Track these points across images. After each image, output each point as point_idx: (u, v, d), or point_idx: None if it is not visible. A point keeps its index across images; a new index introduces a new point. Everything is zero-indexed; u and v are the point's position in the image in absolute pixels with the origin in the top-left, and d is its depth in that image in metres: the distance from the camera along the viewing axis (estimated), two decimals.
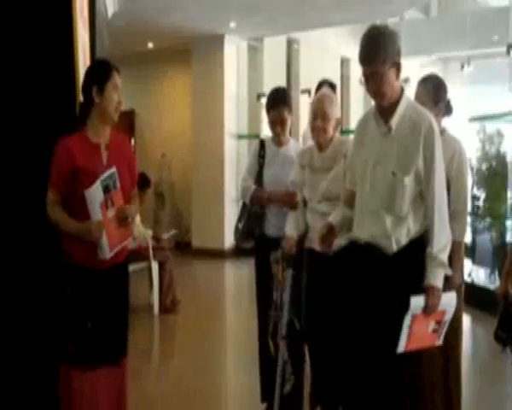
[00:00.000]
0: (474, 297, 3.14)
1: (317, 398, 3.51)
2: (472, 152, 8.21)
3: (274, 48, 10.97)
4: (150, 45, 10.69)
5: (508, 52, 8.93)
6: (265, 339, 3.48)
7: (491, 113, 8.71)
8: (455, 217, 3.18)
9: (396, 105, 2.72)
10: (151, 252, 6.60)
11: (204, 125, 10.30)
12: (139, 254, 6.62)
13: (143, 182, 7.13)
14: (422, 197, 2.72)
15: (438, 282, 2.67)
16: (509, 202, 7.36)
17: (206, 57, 10.26)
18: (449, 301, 2.77)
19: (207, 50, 10.21)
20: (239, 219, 3.93)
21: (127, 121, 12.14)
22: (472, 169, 8.01)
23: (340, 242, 3.12)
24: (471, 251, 8.02)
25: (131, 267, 6.57)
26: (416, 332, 2.69)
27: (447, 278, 3.26)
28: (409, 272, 2.70)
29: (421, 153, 2.66)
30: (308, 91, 9.79)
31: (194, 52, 10.48)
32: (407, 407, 2.82)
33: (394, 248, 2.71)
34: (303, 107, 10.26)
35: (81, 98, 3.01)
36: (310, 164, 3.47)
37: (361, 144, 2.89)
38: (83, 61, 3.45)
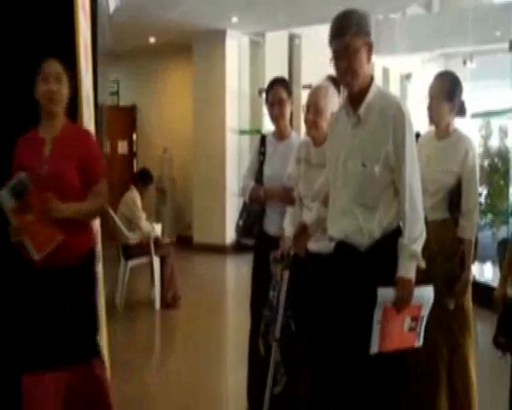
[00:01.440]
0: (475, 294, 3.08)
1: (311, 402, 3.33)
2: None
3: (275, 43, 10.95)
4: (152, 40, 10.68)
5: (510, 48, 8.90)
6: (257, 338, 3.40)
7: (493, 109, 8.69)
8: (466, 216, 3.25)
9: (365, 93, 2.58)
10: (152, 247, 6.60)
11: (205, 120, 10.29)
12: (140, 250, 6.63)
13: (145, 177, 7.13)
14: (395, 187, 2.56)
15: (409, 273, 2.49)
16: (511, 198, 7.35)
17: (208, 52, 10.25)
18: (425, 294, 2.58)
19: (209, 45, 10.20)
20: (240, 216, 3.86)
21: (129, 117, 12.15)
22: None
23: (320, 245, 3.00)
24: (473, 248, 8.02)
25: (133, 262, 6.62)
26: (389, 330, 2.50)
27: (457, 276, 3.29)
28: (382, 268, 2.54)
29: (392, 139, 2.50)
30: (310, 87, 9.76)
31: (195, 47, 10.47)
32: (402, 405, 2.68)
33: (367, 241, 2.56)
34: (305, 102, 10.23)
35: (82, 93, 3.01)
36: (306, 159, 3.32)
37: (333, 141, 2.77)
38: (84, 56, 3.44)
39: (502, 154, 7.66)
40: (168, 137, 11.31)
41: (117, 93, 12.42)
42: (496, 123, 8.11)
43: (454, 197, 3.29)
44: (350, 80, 2.57)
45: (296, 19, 9.68)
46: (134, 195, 6.79)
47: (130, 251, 6.61)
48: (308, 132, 3.25)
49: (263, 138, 3.84)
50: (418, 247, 2.51)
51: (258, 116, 10.83)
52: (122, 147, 12.08)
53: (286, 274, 3.21)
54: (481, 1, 16.05)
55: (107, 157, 9.34)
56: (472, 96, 16.20)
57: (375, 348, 2.48)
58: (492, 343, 3.00)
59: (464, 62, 14.09)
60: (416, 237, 2.51)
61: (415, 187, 2.53)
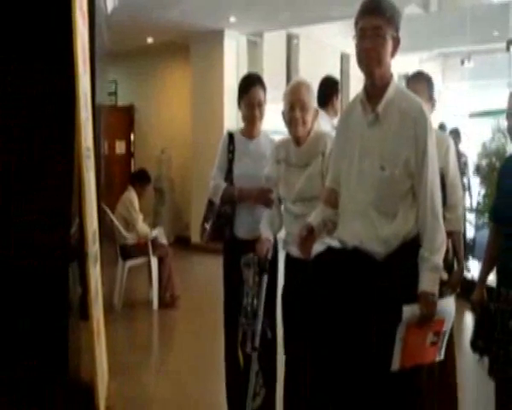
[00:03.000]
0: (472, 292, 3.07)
1: None
2: (472, 148, 8.23)
3: (274, 43, 10.95)
4: (150, 40, 10.67)
5: (508, 48, 8.94)
6: (233, 349, 3.19)
7: (491, 109, 8.72)
8: (452, 209, 3.28)
9: (384, 90, 2.44)
10: (150, 247, 6.59)
11: (203, 120, 10.29)
12: (138, 250, 6.62)
13: (143, 178, 7.14)
14: (414, 194, 2.42)
15: (431, 287, 2.36)
16: None
17: (206, 52, 10.24)
18: (447, 307, 2.45)
19: (207, 45, 10.19)
20: (205, 219, 3.61)
21: (127, 117, 12.14)
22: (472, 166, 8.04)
23: (318, 247, 2.78)
24: (471, 247, 8.03)
25: (131, 262, 6.62)
26: (411, 346, 2.37)
27: (451, 267, 3.26)
28: (401, 279, 2.38)
29: (413, 144, 2.38)
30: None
31: (193, 47, 10.46)
32: None
33: (384, 251, 2.40)
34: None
35: (80, 93, 3.00)
36: (286, 159, 3.14)
37: (345, 137, 2.60)
38: (82, 56, 3.44)
39: (500, 153, 7.66)
40: (166, 138, 11.31)
41: (115, 93, 12.41)
42: (494, 123, 8.11)
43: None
44: (371, 63, 2.40)
45: (294, 19, 9.68)
46: (131, 195, 6.79)
47: (128, 251, 6.61)
48: (295, 131, 3.06)
49: (231, 136, 3.61)
50: (440, 258, 2.39)
51: None
52: (120, 147, 12.08)
53: (265, 279, 3.06)
54: (479, 0, 16.06)
55: (105, 157, 9.31)
56: (470, 95, 16.26)
57: (396, 366, 2.36)
58: (470, 347, 2.95)
59: (462, 62, 14.11)
60: (437, 248, 2.39)
61: (436, 195, 2.42)
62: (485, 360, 2.86)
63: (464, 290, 3.43)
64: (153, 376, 4.94)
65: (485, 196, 7.72)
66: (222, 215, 3.52)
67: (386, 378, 2.38)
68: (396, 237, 2.40)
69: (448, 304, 2.46)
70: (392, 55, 2.45)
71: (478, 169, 8.08)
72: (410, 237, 2.42)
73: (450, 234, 3.27)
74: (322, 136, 3.10)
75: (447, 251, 3.31)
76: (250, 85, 3.51)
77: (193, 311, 6.79)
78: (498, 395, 2.86)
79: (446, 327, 2.45)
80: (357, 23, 2.44)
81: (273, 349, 3.40)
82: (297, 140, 3.09)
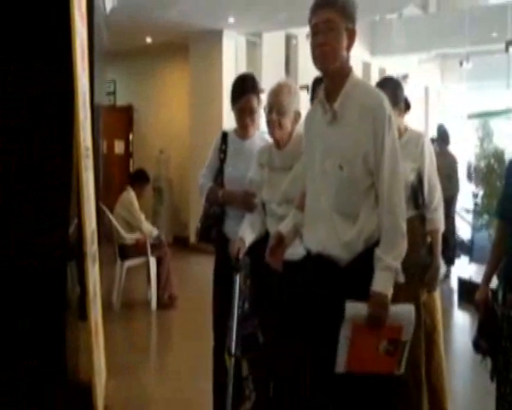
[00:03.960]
0: (472, 294, 3.05)
1: None
2: (470, 149, 8.23)
3: (272, 43, 10.96)
4: (148, 40, 10.67)
5: (506, 49, 8.96)
6: (222, 354, 3.07)
7: (489, 110, 8.74)
8: (431, 209, 3.29)
9: (342, 85, 2.34)
10: (149, 248, 6.59)
11: (202, 120, 10.28)
12: (137, 250, 6.63)
13: (142, 178, 7.13)
14: (376, 193, 2.32)
15: (382, 287, 2.22)
16: None
17: (205, 52, 10.24)
18: (405, 314, 2.28)
19: (206, 46, 10.19)
20: (201, 218, 3.55)
21: (125, 117, 12.13)
22: (470, 166, 8.03)
23: (294, 250, 2.71)
24: (469, 248, 8.03)
25: (129, 263, 6.62)
26: (359, 349, 2.23)
27: (427, 266, 3.24)
28: (364, 285, 2.25)
29: (371, 139, 2.26)
30: (307, 87, 9.76)
31: (192, 47, 10.46)
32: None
33: (347, 257, 2.30)
34: (301, 102, 10.27)
35: (79, 93, 3.00)
36: (269, 163, 3.09)
37: (309, 140, 2.51)
38: (81, 56, 3.44)
39: (498, 155, 7.67)
40: (165, 138, 11.30)
41: (114, 93, 12.41)
42: (492, 123, 8.13)
43: (418, 194, 3.30)
44: (325, 58, 2.31)
45: (293, 19, 9.67)
46: (131, 196, 6.79)
47: (126, 251, 6.61)
48: (272, 134, 3.02)
49: (224, 135, 3.54)
50: (395, 259, 2.25)
51: (256, 117, 10.81)
52: (119, 147, 12.07)
53: (236, 279, 2.96)
54: (478, 2, 16.10)
55: (104, 157, 9.31)
56: (468, 96, 16.28)
57: (341, 368, 2.25)
58: (472, 347, 2.90)
59: (461, 63, 14.14)
60: (393, 248, 2.26)
61: (394, 193, 2.28)
62: (488, 361, 2.80)
63: (466, 293, 3.42)
64: (151, 376, 4.94)
65: (483, 198, 7.72)
66: (210, 216, 3.44)
67: (340, 381, 2.29)
68: (357, 240, 2.30)
69: (406, 311, 2.29)
70: (348, 48, 2.35)
71: (469, 175, 8.04)
72: (373, 240, 2.30)
73: (429, 233, 3.32)
74: None
75: (425, 249, 3.32)
76: (243, 93, 3.39)
77: (191, 311, 6.78)
78: (499, 401, 2.76)
79: (405, 337, 2.28)
80: (310, 21, 2.36)
81: (265, 354, 3.25)
82: (277, 143, 3.04)
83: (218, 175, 3.45)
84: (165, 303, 6.64)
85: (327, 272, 2.36)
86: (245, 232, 3.09)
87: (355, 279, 2.28)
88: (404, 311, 2.28)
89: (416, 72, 15.57)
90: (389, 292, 2.23)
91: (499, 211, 2.97)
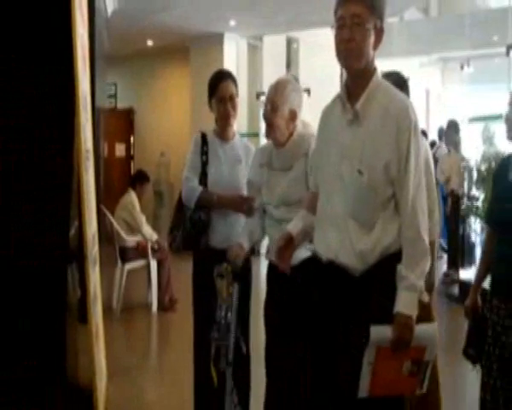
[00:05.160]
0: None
1: None
2: (472, 152, 8.22)
3: (273, 46, 10.97)
4: (150, 43, 10.69)
5: (507, 53, 8.94)
6: (205, 367, 2.89)
7: (490, 114, 8.73)
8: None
9: (366, 85, 2.21)
10: (149, 250, 6.59)
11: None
12: (137, 253, 6.62)
13: (142, 178, 7.13)
14: (396, 203, 2.19)
15: (407, 308, 2.10)
16: None
17: (206, 55, 10.25)
18: (428, 333, 2.20)
19: (207, 49, 10.21)
20: (175, 226, 3.35)
21: (126, 119, 12.15)
22: (471, 170, 8.02)
23: (302, 253, 2.64)
24: (473, 253, 8.03)
25: (130, 265, 6.61)
26: (383, 373, 2.14)
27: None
28: (378, 299, 2.14)
29: (394, 147, 2.13)
30: (308, 91, 9.80)
31: (193, 50, 10.48)
32: None
33: (361, 267, 2.17)
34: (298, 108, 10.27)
35: (79, 96, 3.00)
36: (268, 163, 2.96)
37: (325, 138, 2.36)
38: (82, 59, 3.44)
39: (499, 158, 7.66)
40: (166, 141, 11.31)
41: (115, 96, 12.42)
42: (493, 127, 8.12)
43: None
44: (350, 55, 2.19)
45: (294, 22, 9.70)
46: (132, 198, 6.79)
47: (127, 254, 6.60)
48: (266, 132, 2.93)
49: (203, 136, 3.38)
50: (420, 277, 2.13)
51: (255, 119, 10.83)
52: (119, 150, 12.08)
53: (235, 288, 2.79)
54: (479, 5, 16.11)
55: (105, 160, 9.32)
56: (469, 100, 16.29)
57: (364, 393, 2.14)
58: (463, 355, 2.87)
59: (462, 67, 14.15)
60: (416, 266, 2.13)
61: (418, 206, 2.16)
62: (479, 368, 2.77)
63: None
64: (152, 379, 4.93)
65: (484, 201, 7.71)
66: (197, 222, 3.23)
67: (360, 405, 2.17)
68: (373, 250, 2.16)
69: (430, 330, 2.22)
70: (375, 46, 2.24)
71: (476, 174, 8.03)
72: (390, 251, 2.17)
73: None
74: (306, 137, 2.88)
75: None
76: (220, 79, 3.32)
77: (192, 314, 6.78)
78: (482, 408, 2.72)
79: (428, 357, 2.18)
80: (336, 12, 2.22)
81: (247, 365, 3.23)
82: (275, 141, 2.91)
83: (202, 178, 3.29)
84: (166, 306, 6.63)
85: (339, 282, 2.22)
86: (242, 239, 2.96)
87: (368, 291, 2.16)
88: (427, 331, 2.20)
89: (417, 75, 15.56)
90: (414, 313, 2.11)
91: (487, 216, 2.94)
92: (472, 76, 15.02)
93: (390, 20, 14.60)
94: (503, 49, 9.24)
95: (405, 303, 2.10)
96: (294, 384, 2.81)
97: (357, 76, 2.24)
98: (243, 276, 2.94)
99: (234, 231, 3.18)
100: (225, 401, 2.82)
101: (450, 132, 8.05)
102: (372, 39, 2.20)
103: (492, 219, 2.81)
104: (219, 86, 3.30)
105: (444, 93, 18.26)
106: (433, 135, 11.68)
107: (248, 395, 3.29)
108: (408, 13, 13.71)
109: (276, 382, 2.97)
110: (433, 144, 9.27)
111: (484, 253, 2.88)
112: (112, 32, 8.05)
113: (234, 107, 3.32)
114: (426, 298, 2.24)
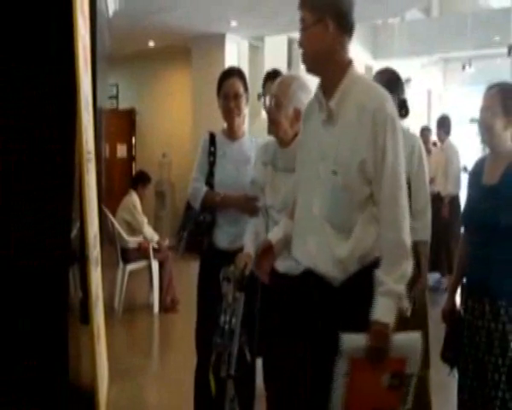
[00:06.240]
0: None
1: None
2: (473, 153, 8.22)
3: (275, 47, 10.96)
4: (151, 44, 10.69)
5: (509, 53, 8.96)
6: (205, 373, 2.75)
7: None
8: (417, 217, 3.04)
9: (339, 82, 2.10)
10: (151, 251, 6.59)
11: (205, 124, 10.23)
12: (139, 254, 6.62)
13: (143, 178, 7.14)
14: (374, 203, 2.06)
15: (384, 316, 1.95)
16: None
17: (207, 56, 10.24)
18: (409, 344, 2.02)
19: (208, 49, 10.20)
20: (183, 227, 3.32)
21: (128, 120, 12.14)
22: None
23: (287, 263, 2.52)
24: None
25: (131, 266, 6.61)
26: (360, 386, 1.98)
27: (414, 281, 2.81)
28: (358, 309, 1.99)
29: (370, 144, 2.00)
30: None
31: (194, 51, 10.47)
32: None
33: (341, 276, 2.05)
34: (303, 107, 10.27)
35: (81, 96, 3.01)
36: (272, 162, 2.84)
37: (305, 138, 2.27)
38: (83, 59, 3.44)
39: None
40: (167, 141, 11.31)
41: (116, 97, 12.42)
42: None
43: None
44: (303, 58, 2.20)
45: (295, 23, 9.65)
46: (134, 199, 6.80)
47: (128, 255, 6.61)
48: (268, 127, 2.84)
49: (212, 136, 3.33)
50: (398, 282, 1.98)
51: (257, 120, 10.82)
52: (121, 151, 12.08)
53: (241, 297, 2.63)
54: (480, 6, 16.10)
55: (107, 161, 9.34)
56: (470, 100, 16.26)
57: (337, 408, 1.99)
58: (440, 359, 2.84)
59: (463, 67, 14.15)
60: (395, 270, 1.98)
61: (397, 206, 2.02)
62: (455, 372, 2.75)
63: None
64: (153, 380, 4.93)
65: None
66: (201, 223, 3.20)
67: None
68: (351, 257, 2.04)
69: (411, 340, 2.03)
70: (340, 42, 2.13)
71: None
72: (370, 258, 2.05)
73: (415, 245, 3.07)
74: None
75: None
76: (226, 77, 3.30)
77: (193, 315, 6.77)
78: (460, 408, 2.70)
79: (411, 369, 2.01)
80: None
81: (252, 374, 3.14)
82: (279, 140, 2.80)
83: (209, 179, 3.24)
84: (168, 307, 6.63)
85: (318, 292, 2.10)
86: (249, 247, 2.79)
87: (349, 302, 2.03)
88: (408, 341, 2.03)
89: (419, 76, 15.56)
90: (391, 320, 1.96)
91: (462, 221, 2.90)
92: (473, 76, 15.02)
93: (391, 21, 14.63)
94: (505, 50, 9.26)
95: (381, 310, 1.96)
96: (294, 387, 2.69)
97: (326, 73, 2.16)
98: (250, 283, 2.82)
99: (240, 231, 3.05)
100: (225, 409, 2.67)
101: (438, 128, 7.95)
102: (329, 37, 2.11)
103: (466, 221, 2.79)
104: (224, 83, 3.31)
105: (445, 93, 18.27)
106: (433, 135, 11.67)
107: (252, 405, 3.21)
108: (409, 13, 13.71)
109: (275, 386, 2.92)
110: (433, 144, 9.25)
111: (460, 256, 2.84)
112: (113, 33, 8.05)
113: (238, 105, 3.26)
114: (405, 304, 2.04)
